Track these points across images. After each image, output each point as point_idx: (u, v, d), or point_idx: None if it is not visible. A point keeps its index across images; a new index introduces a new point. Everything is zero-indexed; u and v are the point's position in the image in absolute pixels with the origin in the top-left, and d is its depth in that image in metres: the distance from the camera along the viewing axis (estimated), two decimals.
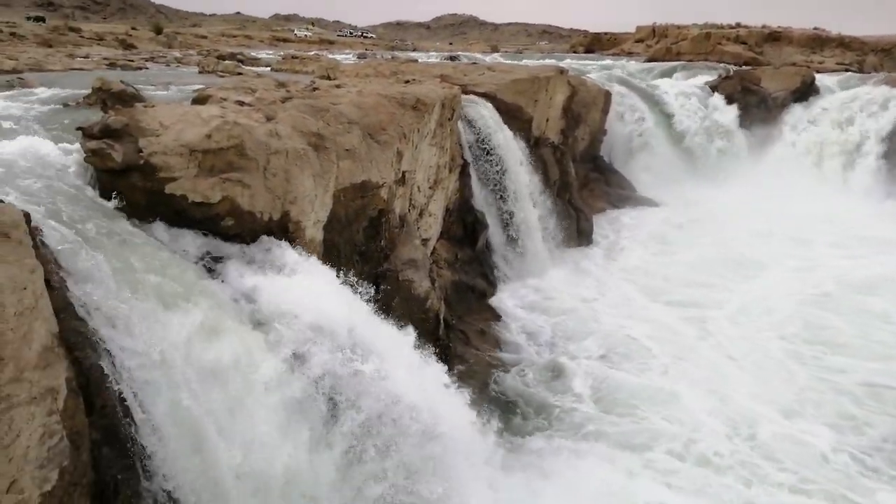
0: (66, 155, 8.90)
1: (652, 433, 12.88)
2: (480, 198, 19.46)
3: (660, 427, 13.10)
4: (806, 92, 36.81)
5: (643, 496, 11.02)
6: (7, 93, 13.86)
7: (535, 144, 23.03)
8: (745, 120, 35.40)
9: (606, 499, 10.94)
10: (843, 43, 52.35)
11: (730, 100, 35.75)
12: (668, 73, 42.23)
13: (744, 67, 43.32)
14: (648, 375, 15.12)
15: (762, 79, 37.78)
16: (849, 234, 26.62)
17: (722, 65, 44.92)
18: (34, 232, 6.53)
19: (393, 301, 12.91)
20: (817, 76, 38.35)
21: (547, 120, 24.54)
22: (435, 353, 11.98)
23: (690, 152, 33.78)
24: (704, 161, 33.69)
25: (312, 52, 46.06)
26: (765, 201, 30.03)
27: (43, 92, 14.19)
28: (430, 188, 16.61)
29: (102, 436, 6.40)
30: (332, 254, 11.88)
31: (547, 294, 19.53)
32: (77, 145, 9.12)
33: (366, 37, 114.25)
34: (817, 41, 52.55)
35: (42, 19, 63.02)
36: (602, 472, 11.65)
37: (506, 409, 13.66)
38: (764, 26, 57.68)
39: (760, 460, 12.16)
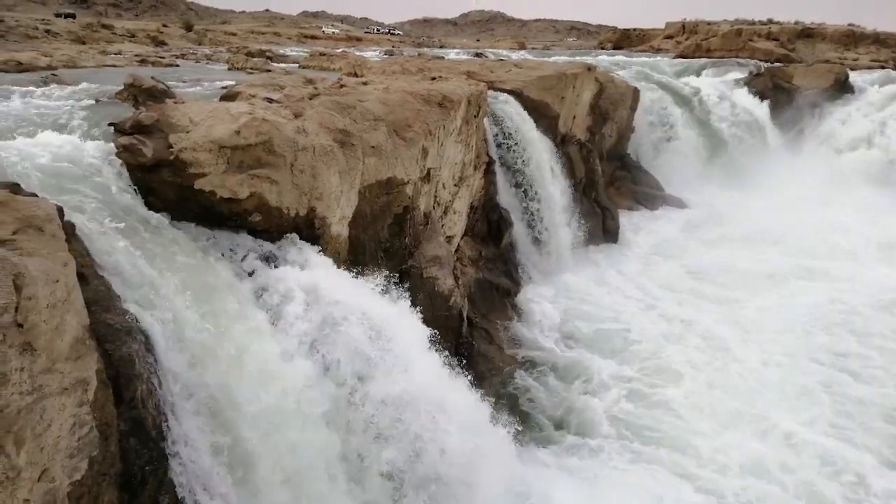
0: (98, 151, 9.04)
1: (669, 437, 12.74)
2: (505, 195, 19.39)
3: (680, 430, 12.95)
4: (840, 89, 36.09)
5: (657, 490, 10.95)
6: (41, 89, 14.14)
7: (561, 142, 22.89)
8: (777, 117, 34.82)
9: (621, 488, 10.88)
10: (879, 39, 51.17)
11: (761, 97, 35.19)
12: (697, 71, 41.68)
13: (775, 65, 42.59)
14: (672, 385, 14.88)
15: (794, 76, 37.15)
16: (889, 235, 25.79)
17: (753, 62, 44.21)
18: (67, 226, 6.66)
19: (417, 298, 12.93)
20: (851, 73, 37.56)
21: (574, 117, 24.37)
22: (458, 351, 12.03)
23: (720, 150, 33.27)
24: (734, 159, 33.15)
25: (340, 50, 46.31)
26: (797, 201, 29.44)
27: (76, 88, 14.45)
28: (455, 185, 16.60)
29: (130, 427, 6.51)
30: (357, 250, 11.94)
31: (572, 293, 19.43)
32: (109, 142, 9.27)
33: (393, 34, 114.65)
34: (852, 38, 51.44)
35: (72, 16, 64.08)
36: (620, 466, 11.62)
37: (525, 408, 13.63)
38: (797, 22, 56.64)
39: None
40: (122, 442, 6.40)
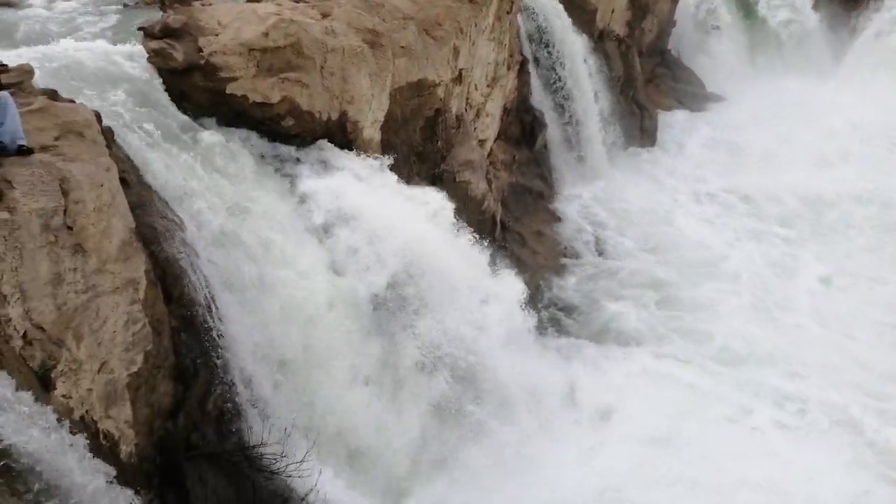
0: (129, 56, 9.05)
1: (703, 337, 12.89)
2: (539, 96, 18.89)
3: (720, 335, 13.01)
4: None
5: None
6: None
7: (598, 38, 21.95)
8: (828, 12, 32.65)
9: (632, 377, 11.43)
10: None
11: None
12: None
13: None
14: (710, 282, 14.81)
15: None
16: None
17: None
18: (105, 131, 6.80)
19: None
20: None
21: (612, 11, 23.24)
22: (491, 255, 12.20)
23: (766, 45, 31.48)
24: (781, 54, 31.38)
25: None
26: (850, 95, 27.54)
27: None
28: (487, 86, 16.23)
29: (180, 323, 6.89)
30: (390, 155, 11.94)
31: (607, 196, 19.17)
32: (140, 46, 9.26)
33: None
34: None
35: None
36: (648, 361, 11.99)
37: (556, 309, 13.88)
38: None
39: None
40: (175, 337, 6.80)
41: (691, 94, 27.83)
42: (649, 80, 26.36)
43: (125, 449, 6.05)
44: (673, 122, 25.23)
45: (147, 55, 8.92)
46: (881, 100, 26.07)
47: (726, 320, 13.47)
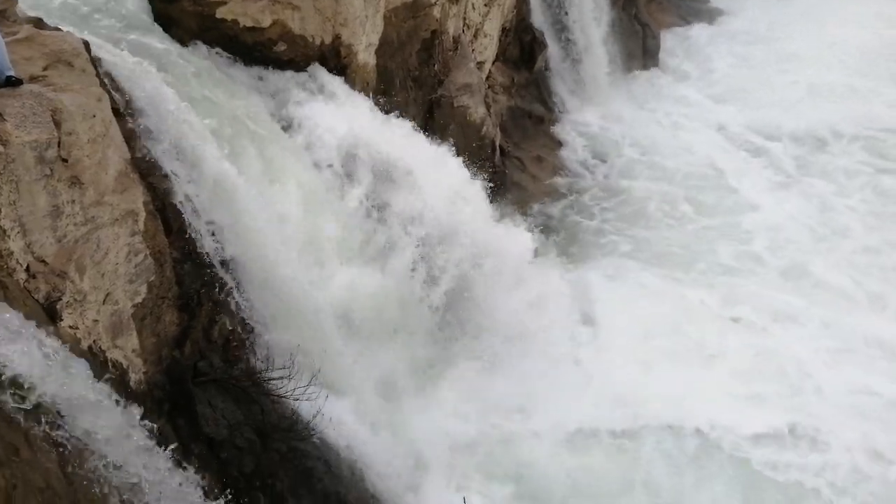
0: None
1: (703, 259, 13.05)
2: (539, 14, 18.32)
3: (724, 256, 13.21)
4: None
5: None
6: None
7: None
8: None
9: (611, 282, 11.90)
10: None
11: None
12: None
13: None
14: (721, 203, 14.86)
15: None
16: None
17: None
18: (95, 61, 6.64)
19: (448, 128, 12.83)
20: None
21: None
22: (491, 180, 12.18)
23: None
24: None
25: None
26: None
27: None
28: (485, 5, 15.73)
29: (182, 254, 6.94)
30: (386, 80, 11.71)
31: (609, 119, 18.85)
32: None
33: None
34: None
35: None
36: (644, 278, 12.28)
37: (553, 231, 13.97)
38: None
39: None
40: (177, 267, 6.86)
41: (694, 10, 26.86)
42: None
43: (134, 377, 6.22)
44: (675, 39, 24.37)
45: None
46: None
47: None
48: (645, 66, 22.20)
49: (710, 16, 26.87)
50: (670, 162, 16.65)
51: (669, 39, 24.12)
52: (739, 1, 27.27)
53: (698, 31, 25.35)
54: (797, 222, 14.17)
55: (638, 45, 22.32)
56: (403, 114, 10.70)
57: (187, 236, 6.90)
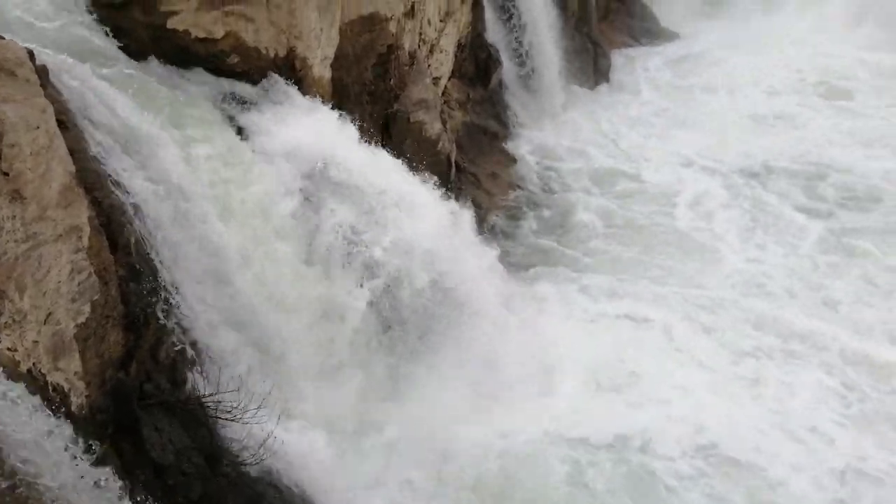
0: None
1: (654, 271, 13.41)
2: (494, 31, 18.55)
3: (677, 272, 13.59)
4: None
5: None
6: None
7: None
8: None
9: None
10: None
11: None
12: None
13: None
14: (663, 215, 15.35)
15: None
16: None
17: None
18: (40, 70, 6.40)
19: (404, 143, 12.81)
20: None
21: None
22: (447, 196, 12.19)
23: None
24: None
25: None
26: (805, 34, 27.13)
27: None
28: (441, 21, 15.83)
29: (128, 272, 6.70)
30: (341, 94, 11.64)
31: (562, 135, 19.20)
32: None
33: None
34: None
35: None
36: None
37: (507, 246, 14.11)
38: None
39: None
40: (123, 286, 6.62)
41: (645, 30, 27.54)
42: (604, 15, 26.00)
43: (76, 401, 5.95)
44: (625, 59, 24.93)
45: None
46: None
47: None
48: (596, 83, 22.69)
49: (661, 36, 27.57)
50: (621, 178, 17.02)
51: (619, 58, 24.71)
52: (693, 23, 28.07)
53: (647, 50, 26.03)
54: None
55: (589, 63, 22.80)
56: (360, 129, 10.62)
57: (133, 252, 6.67)
